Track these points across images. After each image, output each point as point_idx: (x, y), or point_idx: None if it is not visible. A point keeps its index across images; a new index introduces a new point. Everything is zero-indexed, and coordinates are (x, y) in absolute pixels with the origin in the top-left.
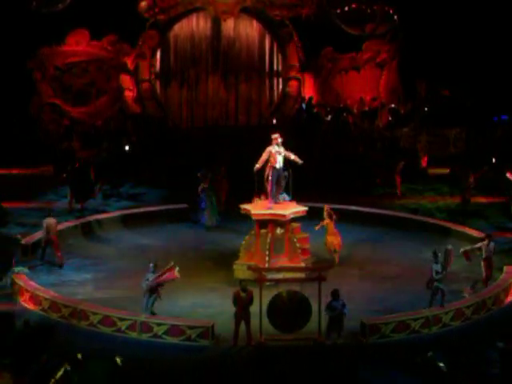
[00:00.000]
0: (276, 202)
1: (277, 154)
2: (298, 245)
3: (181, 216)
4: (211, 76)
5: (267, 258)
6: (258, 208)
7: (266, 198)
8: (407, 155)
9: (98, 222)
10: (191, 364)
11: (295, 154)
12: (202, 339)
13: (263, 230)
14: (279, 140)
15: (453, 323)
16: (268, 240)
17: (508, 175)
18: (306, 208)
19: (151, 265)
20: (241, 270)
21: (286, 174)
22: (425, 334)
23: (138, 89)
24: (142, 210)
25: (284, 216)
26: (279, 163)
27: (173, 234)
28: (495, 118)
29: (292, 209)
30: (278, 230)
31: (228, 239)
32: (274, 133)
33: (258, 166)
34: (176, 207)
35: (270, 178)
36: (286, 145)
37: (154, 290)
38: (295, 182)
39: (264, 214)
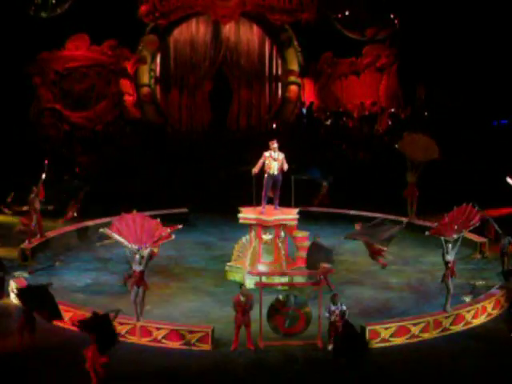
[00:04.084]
0: (276, 208)
1: (271, 159)
2: (283, 252)
3: (180, 220)
4: (211, 81)
5: (248, 262)
6: (249, 212)
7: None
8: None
9: (99, 226)
10: (190, 369)
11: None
12: (202, 344)
13: (254, 234)
14: (274, 146)
15: (453, 328)
16: (253, 244)
17: (508, 179)
18: (296, 216)
19: (137, 256)
20: (232, 271)
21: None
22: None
23: (138, 93)
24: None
25: (268, 222)
26: (273, 169)
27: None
28: (494, 122)
29: (280, 215)
30: (266, 236)
31: (228, 243)
32: (272, 138)
33: (254, 170)
34: (176, 211)
35: (264, 183)
36: (286, 149)
37: (140, 282)
38: (295, 188)
39: (250, 219)
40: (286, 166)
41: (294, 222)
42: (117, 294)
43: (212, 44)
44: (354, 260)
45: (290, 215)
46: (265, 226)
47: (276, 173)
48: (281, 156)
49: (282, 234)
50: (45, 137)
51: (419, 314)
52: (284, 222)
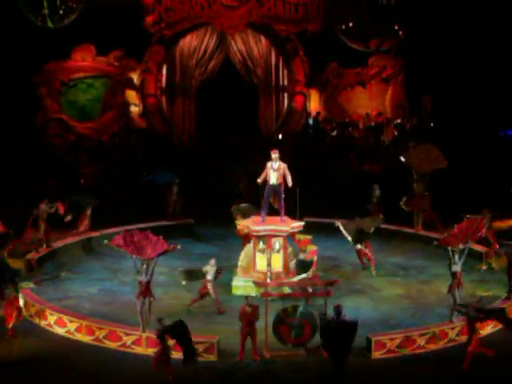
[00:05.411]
0: (282, 219)
1: (271, 170)
2: (269, 262)
3: (186, 231)
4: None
5: (243, 270)
6: (248, 222)
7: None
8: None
9: (104, 237)
10: (196, 379)
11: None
12: (208, 354)
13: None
14: (274, 156)
15: (458, 338)
16: (249, 254)
17: None
18: (286, 228)
19: (144, 265)
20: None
21: None
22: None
23: (144, 104)
24: (146, 225)
25: (257, 232)
26: (272, 179)
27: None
28: (501, 132)
29: (271, 226)
30: (259, 245)
31: (235, 254)
32: (274, 148)
33: (259, 180)
34: (181, 222)
35: (264, 193)
36: (292, 159)
37: (146, 292)
38: (301, 197)
39: (244, 227)
40: (290, 180)
41: (285, 234)
42: (123, 303)
43: (218, 54)
44: (355, 272)
45: (283, 227)
46: (259, 236)
47: (275, 183)
48: (282, 166)
49: (277, 245)
50: (50, 146)
51: (419, 325)
52: (274, 233)
